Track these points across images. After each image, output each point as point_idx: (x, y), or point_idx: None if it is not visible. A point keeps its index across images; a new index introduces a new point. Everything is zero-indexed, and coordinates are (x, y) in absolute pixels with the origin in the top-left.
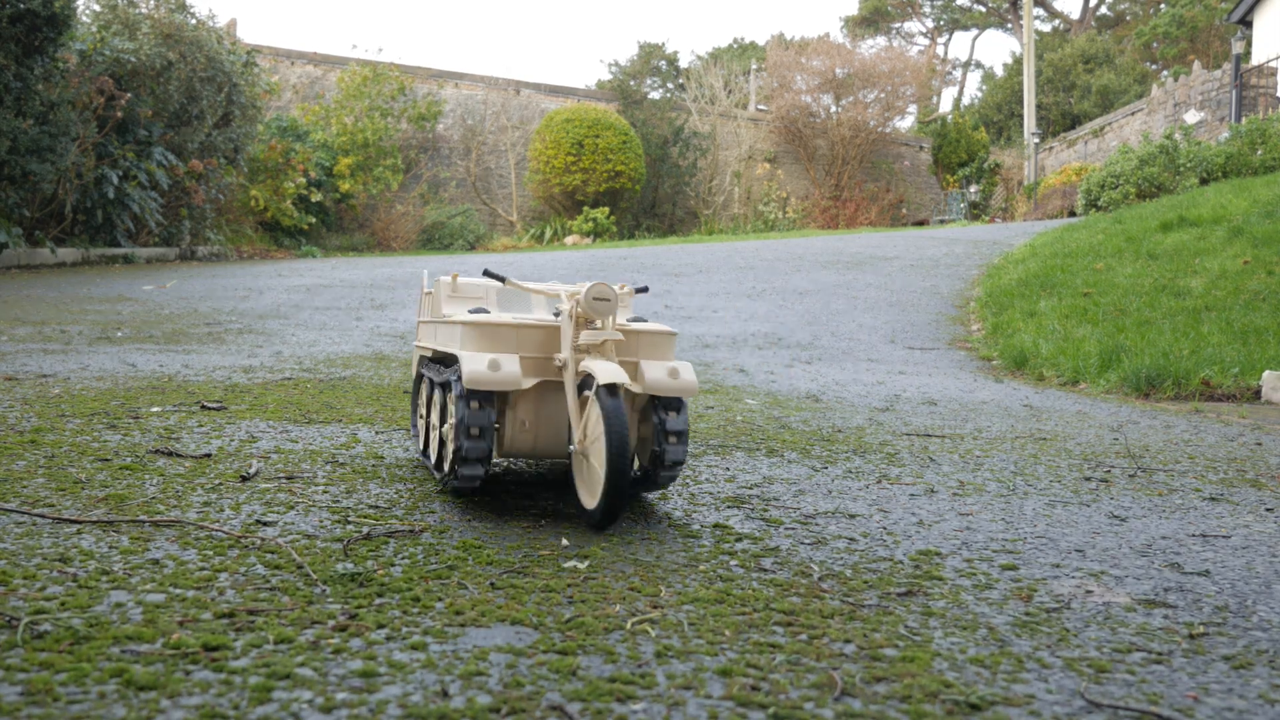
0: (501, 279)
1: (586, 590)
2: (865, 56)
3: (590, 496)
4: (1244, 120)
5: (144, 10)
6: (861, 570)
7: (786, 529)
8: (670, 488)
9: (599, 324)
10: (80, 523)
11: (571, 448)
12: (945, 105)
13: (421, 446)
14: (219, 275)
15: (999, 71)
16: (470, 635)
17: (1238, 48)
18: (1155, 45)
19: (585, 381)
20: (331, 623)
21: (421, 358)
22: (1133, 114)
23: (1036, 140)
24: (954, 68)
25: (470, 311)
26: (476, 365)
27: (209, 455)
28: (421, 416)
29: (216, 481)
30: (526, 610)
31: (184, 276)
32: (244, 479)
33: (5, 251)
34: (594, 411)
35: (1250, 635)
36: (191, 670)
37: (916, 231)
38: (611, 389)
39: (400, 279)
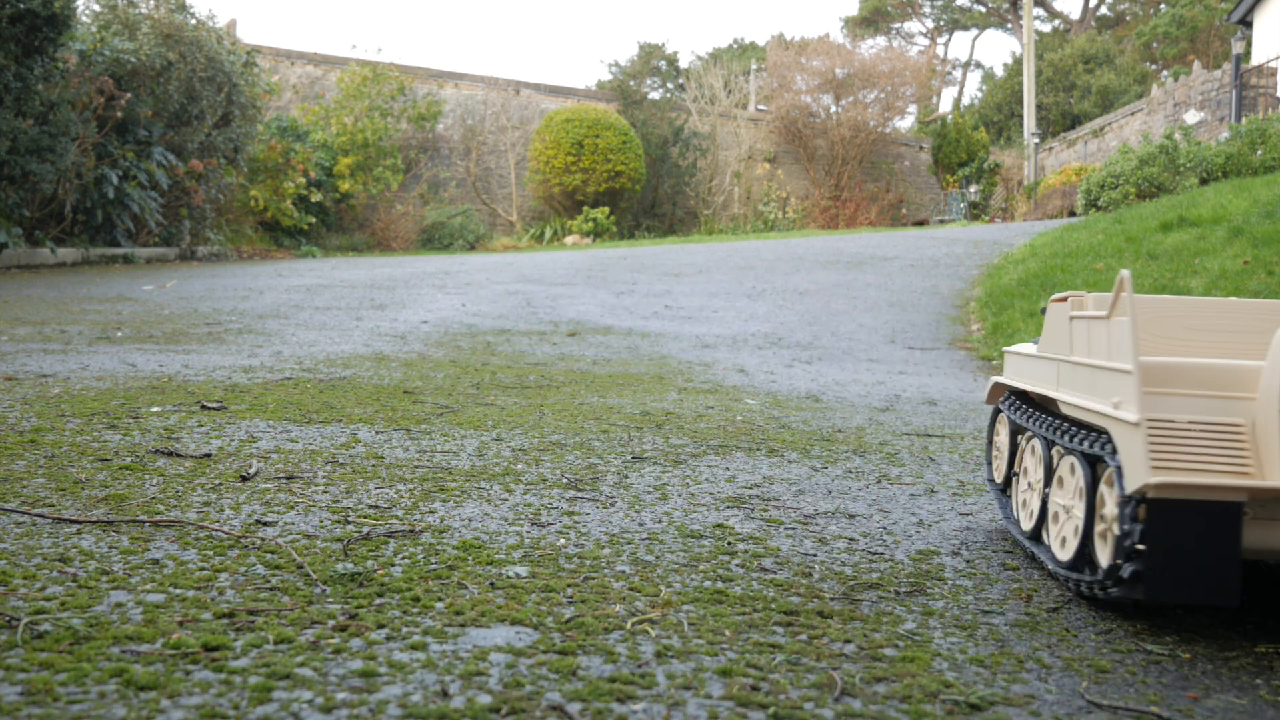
0: None
1: (586, 590)
2: (865, 57)
3: None
4: (1244, 120)
5: (144, 10)
6: (861, 570)
7: (786, 529)
8: (671, 487)
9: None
10: (80, 523)
11: None
12: (945, 105)
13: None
14: (219, 275)
15: (999, 71)
16: (470, 635)
17: (1238, 48)
18: (1155, 45)
19: None
20: (331, 623)
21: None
22: (1133, 114)
23: (1036, 140)
24: (954, 68)
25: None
26: None
27: (209, 455)
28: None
29: (216, 481)
30: (526, 610)
31: (184, 276)
32: (244, 479)
33: (5, 251)
34: None
35: (1250, 635)
36: (191, 670)
37: (916, 231)
38: None
39: (400, 279)
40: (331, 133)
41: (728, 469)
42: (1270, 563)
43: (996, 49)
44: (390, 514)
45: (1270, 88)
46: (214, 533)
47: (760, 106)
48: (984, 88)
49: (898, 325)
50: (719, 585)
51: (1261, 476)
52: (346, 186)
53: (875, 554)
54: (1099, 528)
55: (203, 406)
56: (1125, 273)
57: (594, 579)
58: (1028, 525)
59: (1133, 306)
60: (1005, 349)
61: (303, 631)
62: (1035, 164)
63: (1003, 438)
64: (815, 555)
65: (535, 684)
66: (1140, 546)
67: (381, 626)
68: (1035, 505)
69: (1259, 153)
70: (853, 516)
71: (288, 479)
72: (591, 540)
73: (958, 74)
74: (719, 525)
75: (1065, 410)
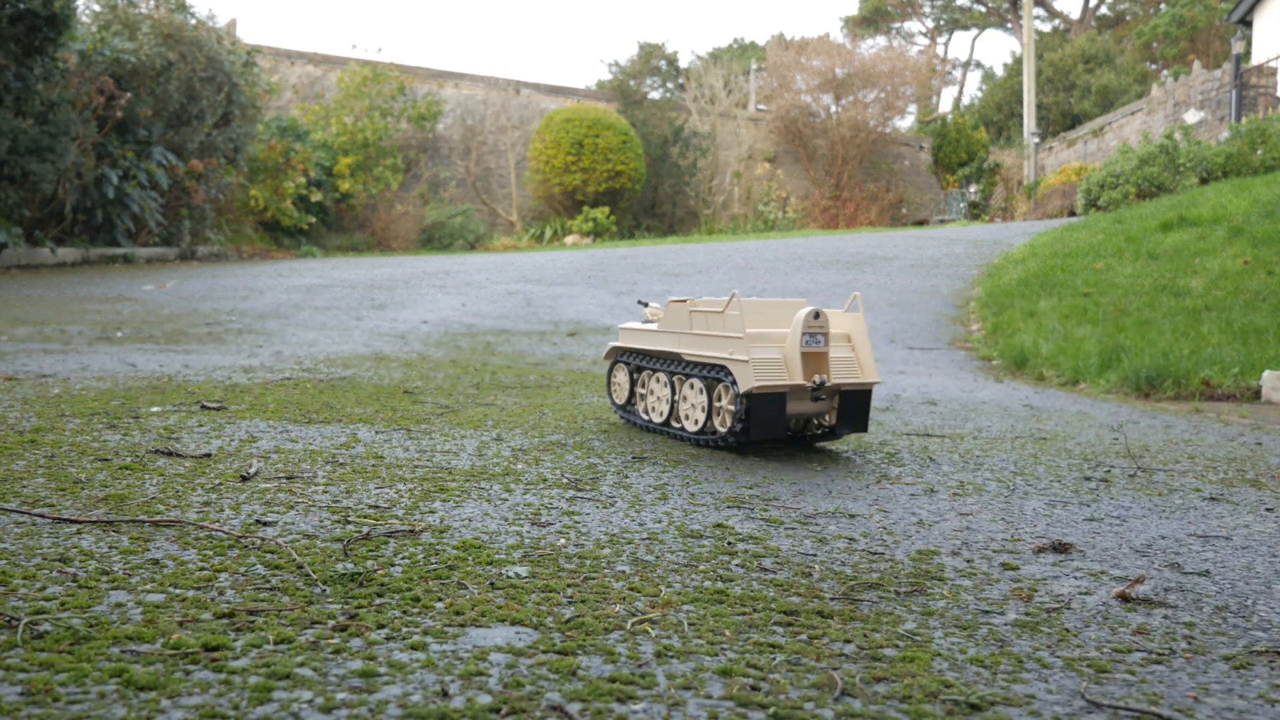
0: None
1: (586, 590)
2: (865, 56)
3: None
4: (1244, 120)
5: (144, 10)
6: (861, 570)
7: (786, 529)
8: (671, 487)
9: None
10: (80, 523)
11: None
12: (945, 105)
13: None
14: (219, 275)
15: (999, 71)
16: (470, 635)
17: (1238, 47)
18: (1155, 45)
19: None
20: (331, 623)
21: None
22: (1133, 114)
23: (1036, 140)
24: (954, 68)
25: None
26: None
27: (209, 455)
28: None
29: (216, 481)
30: (526, 610)
31: (184, 276)
32: (244, 479)
33: (5, 251)
34: None
35: (1250, 635)
36: (191, 670)
37: (916, 231)
38: None
39: (400, 279)
40: (331, 132)
41: (728, 469)
42: (797, 420)
43: (996, 49)
44: (390, 514)
45: (1270, 87)
46: (214, 533)
47: (760, 106)
48: (984, 87)
49: (898, 325)
50: (719, 585)
51: (790, 379)
52: (346, 186)
53: (875, 554)
54: (716, 412)
55: (203, 406)
56: (735, 291)
57: (594, 579)
58: (659, 420)
59: (740, 306)
60: (622, 326)
61: (303, 631)
62: (1035, 164)
63: (622, 377)
64: (815, 555)
65: (535, 684)
66: (742, 418)
67: (381, 626)
68: (664, 409)
69: (1259, 152)
70: (853, 516)
71: (288, 479)
72: (591, 540)
73: (958, 74)
74: (719, 525)
75: (689, 358)
